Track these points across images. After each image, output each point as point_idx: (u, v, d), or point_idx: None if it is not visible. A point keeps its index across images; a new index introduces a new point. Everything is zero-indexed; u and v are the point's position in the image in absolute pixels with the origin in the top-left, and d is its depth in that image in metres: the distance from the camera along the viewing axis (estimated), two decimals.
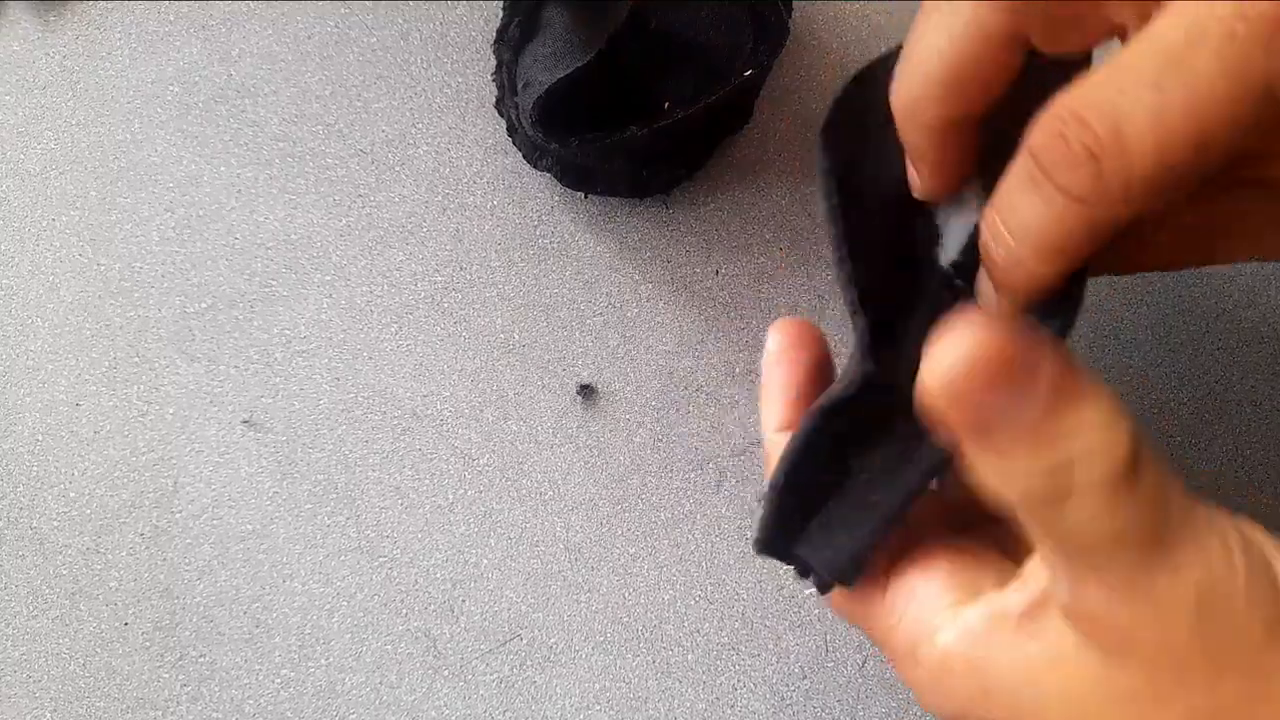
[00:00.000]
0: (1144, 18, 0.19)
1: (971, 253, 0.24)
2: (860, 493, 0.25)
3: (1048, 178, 0.19)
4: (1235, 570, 0.19)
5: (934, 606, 0.22)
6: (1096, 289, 0.37)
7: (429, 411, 0.36)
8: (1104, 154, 0.18)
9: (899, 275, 0.26)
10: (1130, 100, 0.18)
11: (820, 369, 0.27)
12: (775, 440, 0.26)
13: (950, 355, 0.17)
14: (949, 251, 0.25)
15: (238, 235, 0.37)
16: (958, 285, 0.25)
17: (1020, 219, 0.20)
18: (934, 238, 0.26)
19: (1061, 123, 0.19)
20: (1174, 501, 0.19)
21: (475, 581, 0.35)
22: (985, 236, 0.21)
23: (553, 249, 0.37)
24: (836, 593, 0.25)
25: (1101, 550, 0.19)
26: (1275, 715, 0.18)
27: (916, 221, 0.26)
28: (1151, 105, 0.18)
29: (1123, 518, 0.18)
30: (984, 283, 0.23)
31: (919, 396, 0.18)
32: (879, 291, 0.25)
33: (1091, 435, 0.18)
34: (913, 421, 0.21)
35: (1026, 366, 0.17)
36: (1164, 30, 0.18)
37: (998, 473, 0.19)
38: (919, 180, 0.23)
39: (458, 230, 0.37)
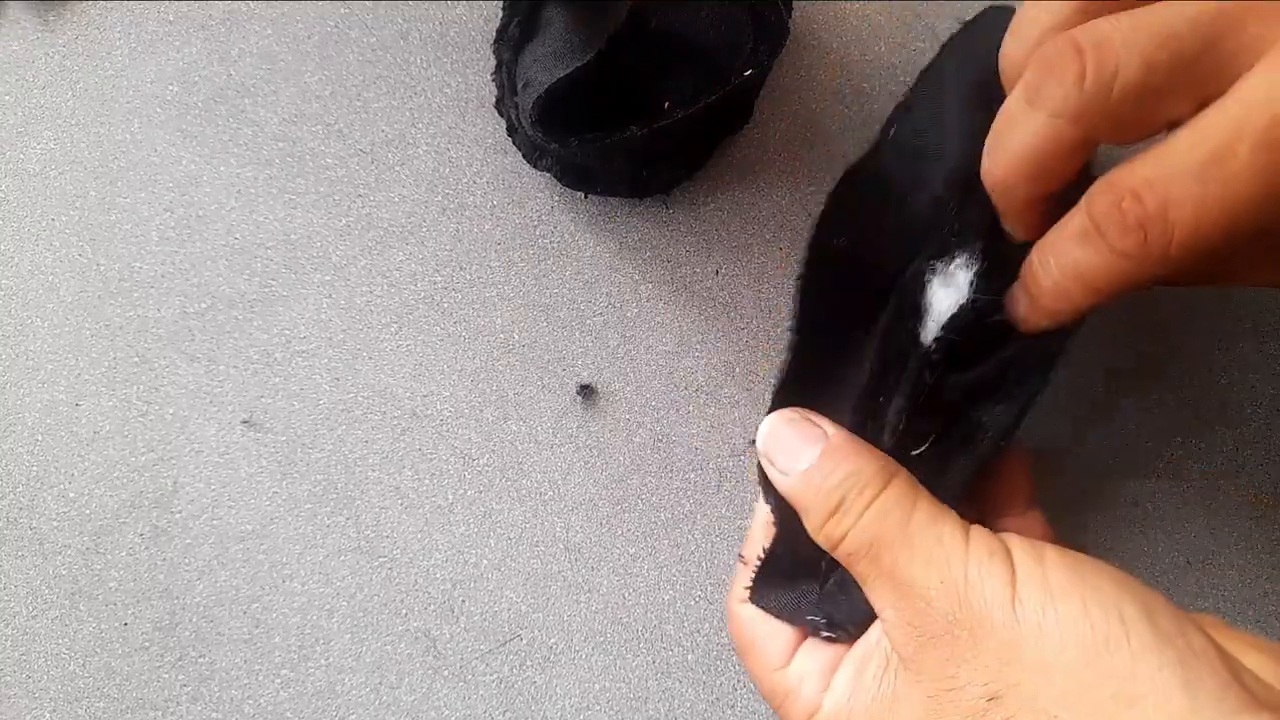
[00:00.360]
0: (1199, 109, 0.23)
1: (955, 328, 0.28)
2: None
3: (1102, 236, 0.24)
4: (960, 556, 0.24)
5: (816, 683, 0.27)
6: None
7: (429, 411, 0.36)
8: (1151, 227, 0.23)
9: (871, 352, 0.30)
10: (1179, 188, 0.22)
11: None
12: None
13: (772, 416, 0.28)
14: (930, 330, 0.29)
15: (237, 235, 0.37)
16: (934, 359, 0.28)
17: (1071, 260, 0.25)
18: (916, 316, 0.29)
19: (1119, 195, 0.23)
20: (922, 507, 0.25)
21: (475, 582, 0.35)
22: (1033, 265, 0.26)
23: (553, 249, 0.37)
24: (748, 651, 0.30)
25: (866, 549, 0.25)
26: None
27: (891, 303, 0.30)
28: (1195, 195, 0.22)
29: (874, 512, 0.25)
30: (1019, 303, 0.28)
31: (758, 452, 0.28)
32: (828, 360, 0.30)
33: (855, 463, 0.26)
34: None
35: (813, 425, 0.27)
36: (1211, 127, 0.22)
37: (805, 516, 0.27)
38: (1015, 233, 0.28)
39: (457, 230, 0.37)
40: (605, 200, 0.37)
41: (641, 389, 0.36)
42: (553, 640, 0.35)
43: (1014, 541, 0.25)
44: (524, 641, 0.35)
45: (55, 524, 0.36)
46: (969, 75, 0.30)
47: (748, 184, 0.38)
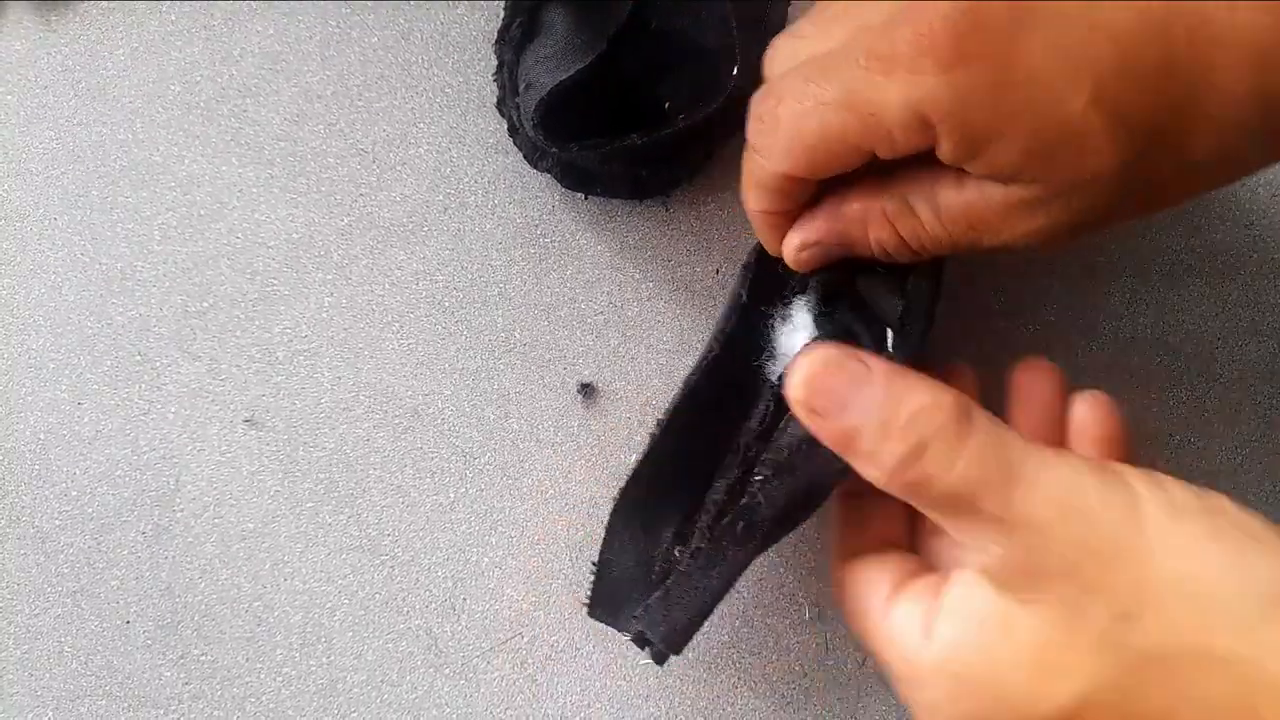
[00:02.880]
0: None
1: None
2: (695, 577, 0.29)
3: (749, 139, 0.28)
4: (1085, 486, 0.24)
5: (912, 627, 0.26)
6: (1096, 289, 0.37)
7: (430, 410, 0.36)
8: (767, 116, 0.27)
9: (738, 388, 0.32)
10: (785, 83, 0.26)
11: None
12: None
13: (804, 363, 0.26)
14: (778, 367, 0.31)
15: (239, 234, 0.37)
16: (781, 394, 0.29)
17: (746, 172, 0.29)
18: (761, 356, 0.32)
19: (757, 111, 0.27)
20: (1012, 442, 0.24)
21: (476, 580, 0.35)
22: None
23: (554, 248, 0.37)
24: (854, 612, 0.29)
25: (964, 496, 0.24)
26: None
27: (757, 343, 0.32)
28: (787, 94, 0.26)
29: (969, 458, 0.24)
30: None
31: (792, 404, 0.27)
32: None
33: (923, 397, 0.25)
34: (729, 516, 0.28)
35: (859, 362, 0.26)
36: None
37: (870, 463, 0.25)
38: (770, 249, 0.30)
39: (459, 229, 0.37)
40: (606, 200, 0.37)
41: (641, 388, 0.37)
42: (554, 639, 0.35)
43: (1124, 467, 0.24)
44: (525, 640, 0.35)
45: (57, 522, 0.36)
46: None
47: None
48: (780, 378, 0.30)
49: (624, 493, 0.32)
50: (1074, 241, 0.27)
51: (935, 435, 0.24)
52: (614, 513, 0.32)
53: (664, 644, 0.29)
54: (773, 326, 0.32)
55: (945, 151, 0.25)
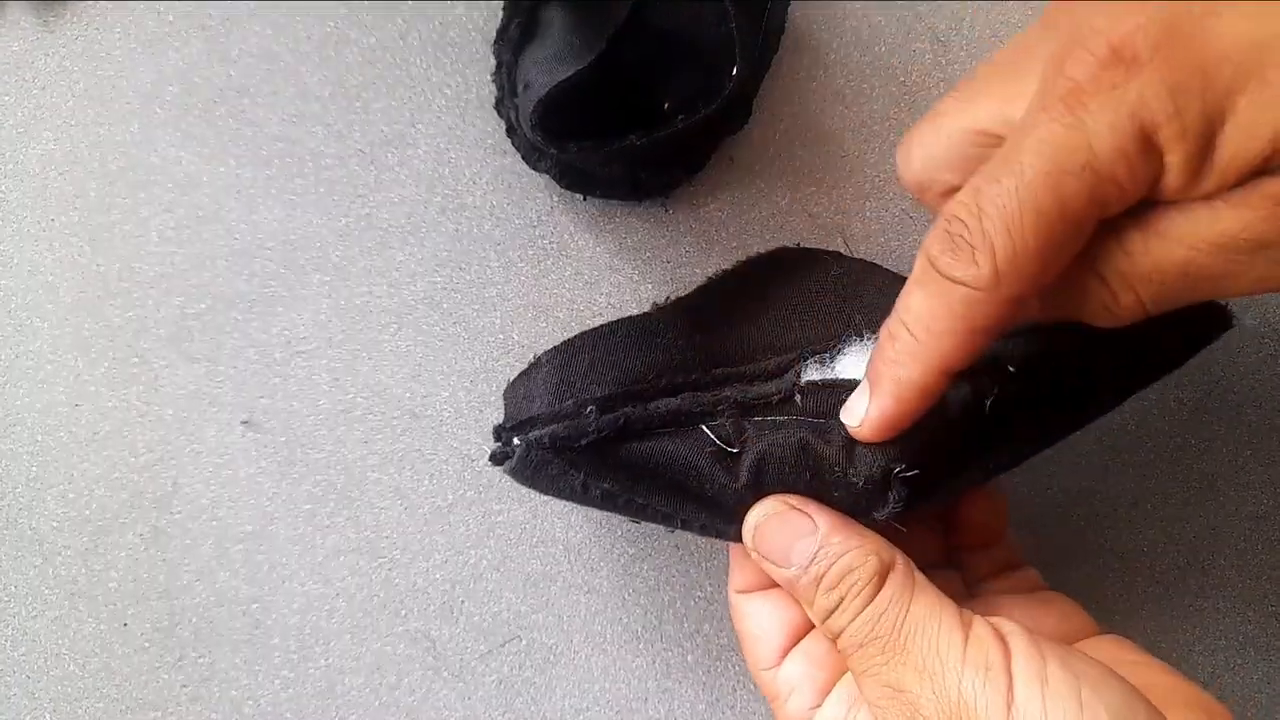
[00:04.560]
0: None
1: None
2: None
3: (936, 269, 0.23)
4: (955, 672, 0.24)
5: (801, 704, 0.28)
6: None
7: (428, 411, 0.36)
8: (975, 241, 0.22)
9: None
10: (985, 198, 0.22)
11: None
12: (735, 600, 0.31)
13: (754, 512, 0.27)
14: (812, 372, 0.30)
15: (237, 235, 0.37)
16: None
17: (914, 311, 0.24)
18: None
19: (946, 222, 0.23)
20: (914, 611, 0.25)
21: (475, 582, 0.35)
22: (881, 343, 0.25)
23: (552, 249, 0.37)
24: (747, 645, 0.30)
25: (862, 651, 0.25)
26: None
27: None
28: (998, 200, 0.22)
29: (862, 620, 0.25)
30: (860, 410, 0.27)
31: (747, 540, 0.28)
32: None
33: (851, 559, 0.26)
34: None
35: (803, 515, 0.27)
36: (1008, 139, 0.23)
37: (807, 607, 0.27)
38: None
39: (457, 230, 0.37)
40: (604, 201, 0.37)
41: None
42: (552, 641, 0.35)
43: (1016, 639, 0.24)
44: (523, 642, 0.35)
45: (55, 524, 0.36)
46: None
47: (747, 184, 0.38)
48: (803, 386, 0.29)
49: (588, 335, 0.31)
50: None
51: (850, 592, 0.25)
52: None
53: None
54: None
55: (1176, 164, 0.21)
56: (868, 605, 0.25)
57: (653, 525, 0.36)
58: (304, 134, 0.37)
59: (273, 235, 0.37)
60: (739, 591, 0.31)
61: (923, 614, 0.25)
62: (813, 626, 0.29)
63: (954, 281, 0.23)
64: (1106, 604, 0.36)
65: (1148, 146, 0.21)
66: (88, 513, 0.36)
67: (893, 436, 0.26)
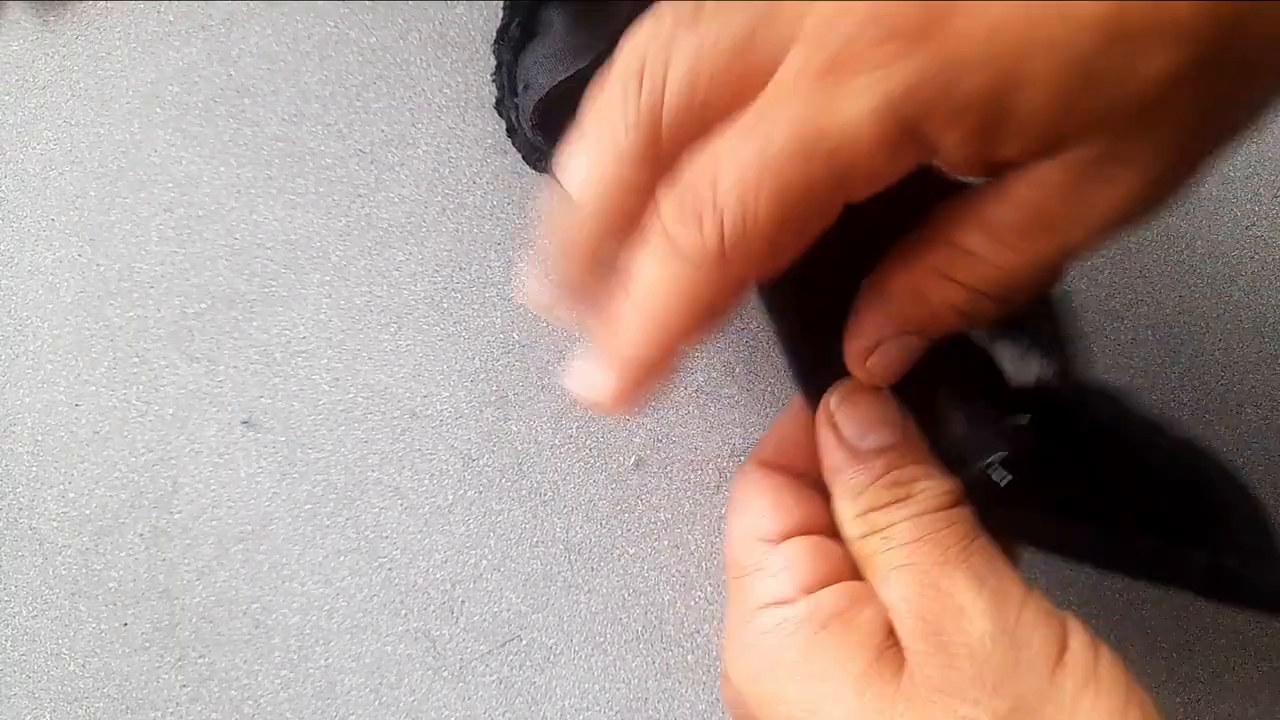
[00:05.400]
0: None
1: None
2: None
3: (669, 240, 0.21)
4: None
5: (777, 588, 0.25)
6: (1096, 288, 0.37)
7: (428, 411, 0.36)
8: (704, 210, 0.20)
9: None
10: (722, 164, 0.20)
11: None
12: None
13: (854, 383, 0.25)
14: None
15: (237, 235, 0.37)
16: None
17: (644, 283, 0.21)
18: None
19: (679, 190, 0.20)
20: (980, 539, 0.23)
21: (475, 582, 0.35)
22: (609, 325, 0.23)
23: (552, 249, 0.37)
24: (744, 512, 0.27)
25: (914, 547, 0.23)
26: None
27: None
28: (733, 167, 0.19)
29: (934, 523, 0.23)
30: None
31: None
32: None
33: (926, 473, 0.24)
34: None
35: (901, 412, 0.25)
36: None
37: (852, 493, 0.25)
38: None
39: (457, 230, 0.37)
40: None
41: None
42: (552, 641, 0.35)
43: (1074, 622, 0.23)
44: (524, 642, 0.35)
45: (55, 524, 0.36)
46: None
47: None
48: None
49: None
50: (1193, 180, 0.20)
51: (923, 491, 0.24)
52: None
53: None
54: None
55: (954, 146, 0.19)
56: (940, 510, 0.23)
57: (653, 524, 0.36)
58: (304, 134, 0.37)
59: (273, 235, 0.37)
60: (761, 463, 0.27)
61: (988, 549, 0.23)
62: (826, 532, 0.26)
63: (678, 250, 0.21)
64: (1107, 603, 0.36)
65: (912, 134, 0.19)
66: (88, 512, 0.36)
67: (619, 411, 0.23)
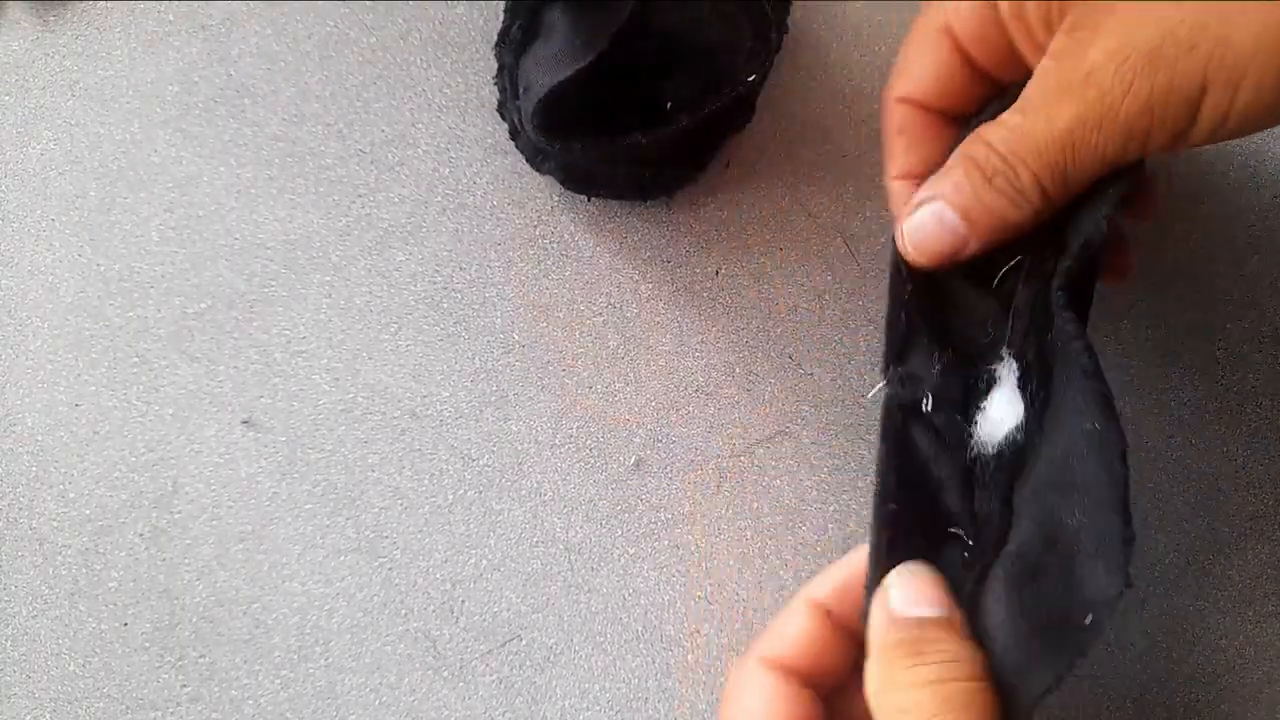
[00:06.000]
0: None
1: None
2: None
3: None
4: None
5: None
6: (1096, 292, 0.37)
7: (429, 411, 0.36)
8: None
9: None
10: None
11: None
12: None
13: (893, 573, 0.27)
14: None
15: (237, 235, 0.37)
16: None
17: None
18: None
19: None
20: None
21: (475, 582, 0.35)
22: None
23: (553, 249, 0.37)
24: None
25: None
26: None
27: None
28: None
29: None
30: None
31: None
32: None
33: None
34: None
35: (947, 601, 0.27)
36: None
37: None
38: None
39: (458, 230, 0.37)
40: (605, 201, 0.37)
41: (640, 390, 0.36)
42: (552, 641, 0.35)
43: None
44: (524, 642, 0.35)
45: (55, 524, 0.36)
46: None
47: (748, 184, 0.38)
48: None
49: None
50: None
51: (948, 666, 0.25)
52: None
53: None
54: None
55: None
56: (955, 681, 0.24)
57: (653, 524, 0.36)
58: (304, 134, 0.37)
59: (273, 235, 0.37)
60: (762, 659, 0.29)
61: None
62: None
63: None
64: None
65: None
66: (88, 512, 0.36)
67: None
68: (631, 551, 0.36)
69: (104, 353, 0.36)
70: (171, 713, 0.35)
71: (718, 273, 0.37)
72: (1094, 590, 0.23)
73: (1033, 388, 0.28)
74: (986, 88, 0.31)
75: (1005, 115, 0.28)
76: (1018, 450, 0.28)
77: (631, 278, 0.37)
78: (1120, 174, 0.28)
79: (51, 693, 0.35)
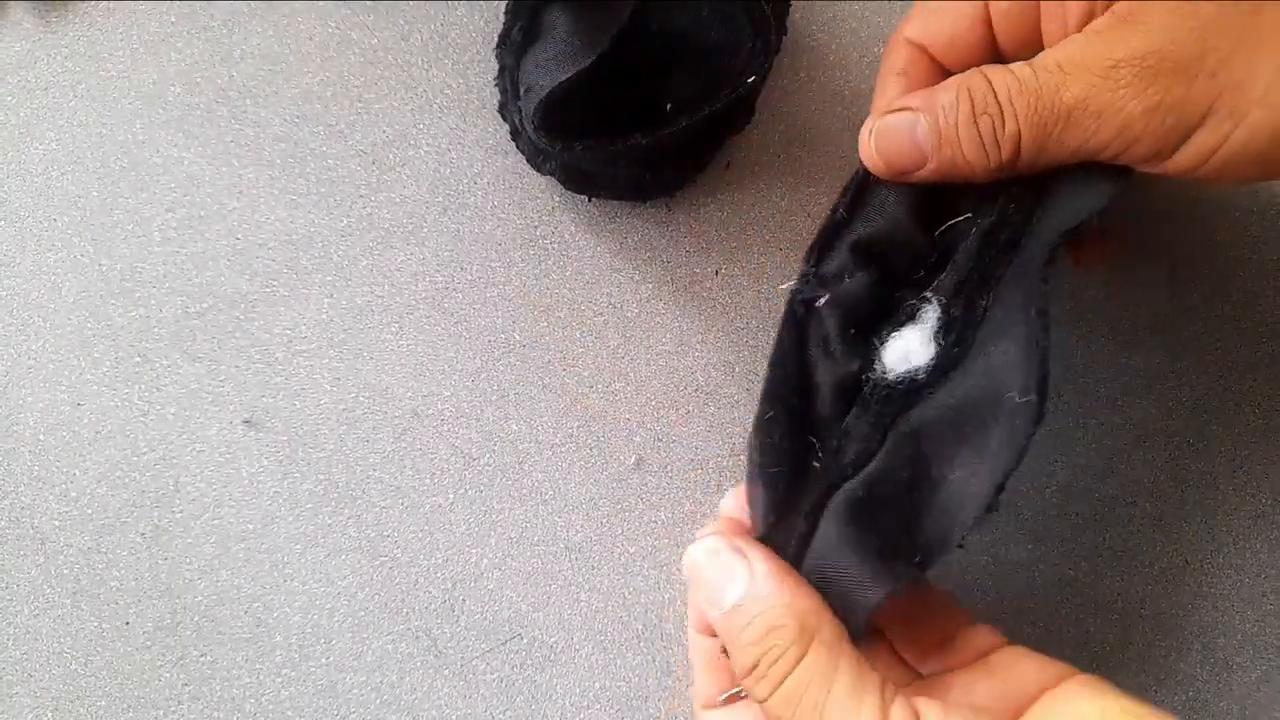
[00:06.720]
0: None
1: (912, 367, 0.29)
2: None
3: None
4: None
5: None
6: (1096, 289, 0.37)
7: (429, 411, 0.36)
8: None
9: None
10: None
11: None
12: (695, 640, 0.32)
13: (696, 546, 0.28)
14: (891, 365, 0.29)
15: (239, 235, 0.37)
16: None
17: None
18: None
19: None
20: (837, 681, 0.25)
21: (475, 581, 0.35)
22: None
23: (553, 249, 0.37)
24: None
25: None
26: None
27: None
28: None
29: (783, 692, 0.25)
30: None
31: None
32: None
33: (775, 616, 0.26)
34: None
35: (740, 556, 0.27)
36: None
37: (731, 653, 0.27)
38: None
39: (458, 230, 0.37)
40: (606, 201, 0.37)
41: (641, 389, 0.37)
42: (553, 640, 0.35)
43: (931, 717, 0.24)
44: (524, 641, 0.35)
45: (57, 523, 0.36)
46: None
47: (748, 184, 0.38)
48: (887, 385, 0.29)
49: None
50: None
51: (769, 655, 0.25)
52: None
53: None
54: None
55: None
56: (787, 677, 0.25)
57: (653, 524, 0.36)
58: (306, 134, 0.38)
59: (275, 235, 0.37)
60: (695, 631, 0.31)
61: (844, 691, 0.24)
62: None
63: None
64: (1106, 604, 0.36)
65: None
66: (89, 511, 0.36)
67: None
68: (631, 551, 0.36)
69: (106, 352, 0.37)
70: (173, 711, 0.35)
71: (718, 273, 0.37)
72: (933, 535, 0.26)
73: (949, 341, 0.28)
74: (994, 60, 0.31)
75: (1016, 66, 0.27)
76: (913, 390, 0.28)
77: (631, 278, 0.37)
78: (1120, 174, 0.28)
79: (53, 691, 0.35)
